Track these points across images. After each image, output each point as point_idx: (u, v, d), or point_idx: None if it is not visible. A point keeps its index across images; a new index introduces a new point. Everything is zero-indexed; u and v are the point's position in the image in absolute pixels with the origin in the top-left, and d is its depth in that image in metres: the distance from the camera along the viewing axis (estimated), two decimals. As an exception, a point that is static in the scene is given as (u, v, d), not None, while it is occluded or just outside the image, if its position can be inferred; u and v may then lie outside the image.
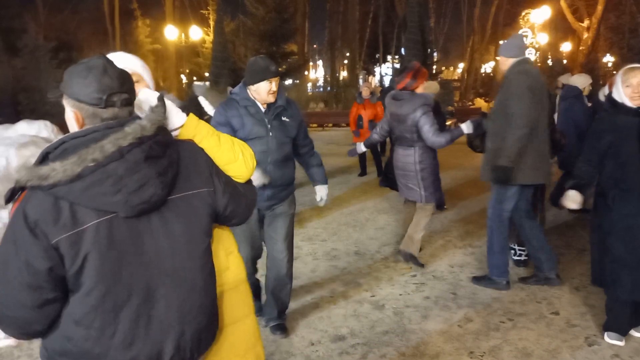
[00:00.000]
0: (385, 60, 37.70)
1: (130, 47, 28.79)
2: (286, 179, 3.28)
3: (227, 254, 1.73)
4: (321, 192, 3.61)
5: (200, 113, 5.04)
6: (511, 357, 3.08)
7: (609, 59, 25.81)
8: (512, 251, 4.57)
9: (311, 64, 43.70)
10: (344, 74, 38.95)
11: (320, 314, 3.72)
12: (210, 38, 24.87)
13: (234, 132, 3.09)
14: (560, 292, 3.94)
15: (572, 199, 3.19)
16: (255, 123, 3.12)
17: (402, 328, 3.48)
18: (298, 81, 25.63)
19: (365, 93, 8.68)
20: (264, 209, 3.28)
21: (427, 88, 4.65)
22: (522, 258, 4.55)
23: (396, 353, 3.15)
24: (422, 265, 4.61)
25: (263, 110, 3.15)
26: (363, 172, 9.25)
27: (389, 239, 5.52)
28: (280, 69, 22.54)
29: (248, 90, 3.15)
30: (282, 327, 3.44)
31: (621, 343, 3.15)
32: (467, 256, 4.89)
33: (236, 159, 1.67)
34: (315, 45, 46.17)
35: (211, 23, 25.89)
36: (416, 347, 3.22)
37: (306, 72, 35.52)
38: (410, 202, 4.74)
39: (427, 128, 4.22)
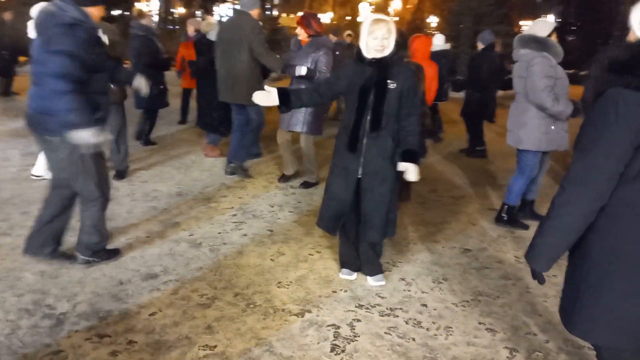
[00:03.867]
0: (224, 0, 36.35)
1: None
2: None
3: None
4: None
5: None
6: (314, 284, 3.35)
7: (432, 20, 28.02)
8: None
9: (144, -4, 40.32)
10: (180, 10, 36.78)
11: (133, 254, 3.63)
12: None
13: None
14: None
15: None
16: None
17: (217, 264, 3.57)
18: (128, 13, 23.53)
19: (190, 31, 7.94)
20: None
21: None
22: None
23: (208, 287, 3.23)
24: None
25: None
26: (183, 120, 8.74)
27: (214, 181, 5.53)
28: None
29: None
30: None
31: (352, 277, 3.47)
32: (287, 196, 5.12)
33: None
34: (149, -24, 42.43)
35: None
36: (228, 280, 3.34)
37: (135, 4, 32.70)
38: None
39: None
